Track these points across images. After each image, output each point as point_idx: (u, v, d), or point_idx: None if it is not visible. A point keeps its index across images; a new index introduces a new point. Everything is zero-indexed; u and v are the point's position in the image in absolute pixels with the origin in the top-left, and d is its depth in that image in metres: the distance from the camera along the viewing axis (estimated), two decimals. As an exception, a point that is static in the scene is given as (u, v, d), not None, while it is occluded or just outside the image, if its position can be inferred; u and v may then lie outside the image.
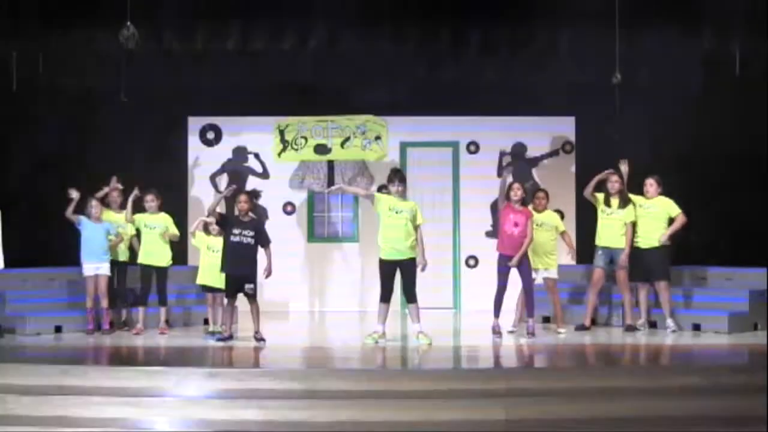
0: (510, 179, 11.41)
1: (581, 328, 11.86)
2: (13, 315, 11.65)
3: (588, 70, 12.81)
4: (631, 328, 11.74)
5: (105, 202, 11.96)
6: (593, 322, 12.13)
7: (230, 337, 11.01)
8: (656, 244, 11.67)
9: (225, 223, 11.11)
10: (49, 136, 13.27)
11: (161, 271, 11.92)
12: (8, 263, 11.41)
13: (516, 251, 11.05)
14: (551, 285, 11.83)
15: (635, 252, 11.74)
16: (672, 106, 13.02)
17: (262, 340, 10.89)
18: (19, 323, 11.54)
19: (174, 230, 11.96)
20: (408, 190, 11.12)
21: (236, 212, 11.08)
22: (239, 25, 13.55)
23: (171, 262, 12.01)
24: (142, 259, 11.90)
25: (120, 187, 12.04)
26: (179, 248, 12.38)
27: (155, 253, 11.85)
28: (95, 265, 11.59)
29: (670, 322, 11.60)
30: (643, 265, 11.74)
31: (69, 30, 12.83)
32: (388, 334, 10.97)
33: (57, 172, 12.98)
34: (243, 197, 11.07)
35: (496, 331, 11.22)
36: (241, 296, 11.02)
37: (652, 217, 11.72)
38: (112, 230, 11.73)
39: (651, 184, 11.79)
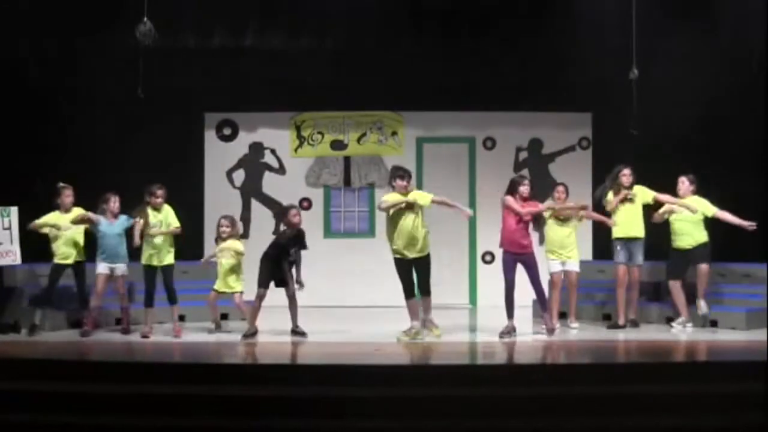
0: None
1: (614, 326, 11.65)
2: (30, 310, 11.67)
3: (605, 66, 12.76)
4: (633, 323, 11.73)
5: (57, 204, 11.51)
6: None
7: (255, 333, 11.04)
8: (696, 242, 11.52)
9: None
10: (65, 133, 13.30)
11: (167, 270, 11.36)
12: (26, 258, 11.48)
13: (522, 247, 10.95)
14: (573, 278, 11.70)
15: (675, 253, 11.63)
16: (690, 102, 12.95)
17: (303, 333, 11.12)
18: (36, 318, 11.54)
19: (175, 222, 11.34)
20: (423, 186, 11.07)
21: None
22: (256, 22, 13.57)
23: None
24: (145, 260, 11.30)
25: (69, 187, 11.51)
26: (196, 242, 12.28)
27: (160, 251, 11.28)
28: (112, 265, 11.44)
29: (702, 304, 11.44)
30: (685, 262, 11.59)
31: (85, 26, 12.86)
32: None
33: (74, 168, 12.99)
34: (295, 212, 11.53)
35: (508, 332, 10.90)
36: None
37: (689, 219, 11.54)
38: (128, 222, 11.39)
39: (683, 182, 11.65)
